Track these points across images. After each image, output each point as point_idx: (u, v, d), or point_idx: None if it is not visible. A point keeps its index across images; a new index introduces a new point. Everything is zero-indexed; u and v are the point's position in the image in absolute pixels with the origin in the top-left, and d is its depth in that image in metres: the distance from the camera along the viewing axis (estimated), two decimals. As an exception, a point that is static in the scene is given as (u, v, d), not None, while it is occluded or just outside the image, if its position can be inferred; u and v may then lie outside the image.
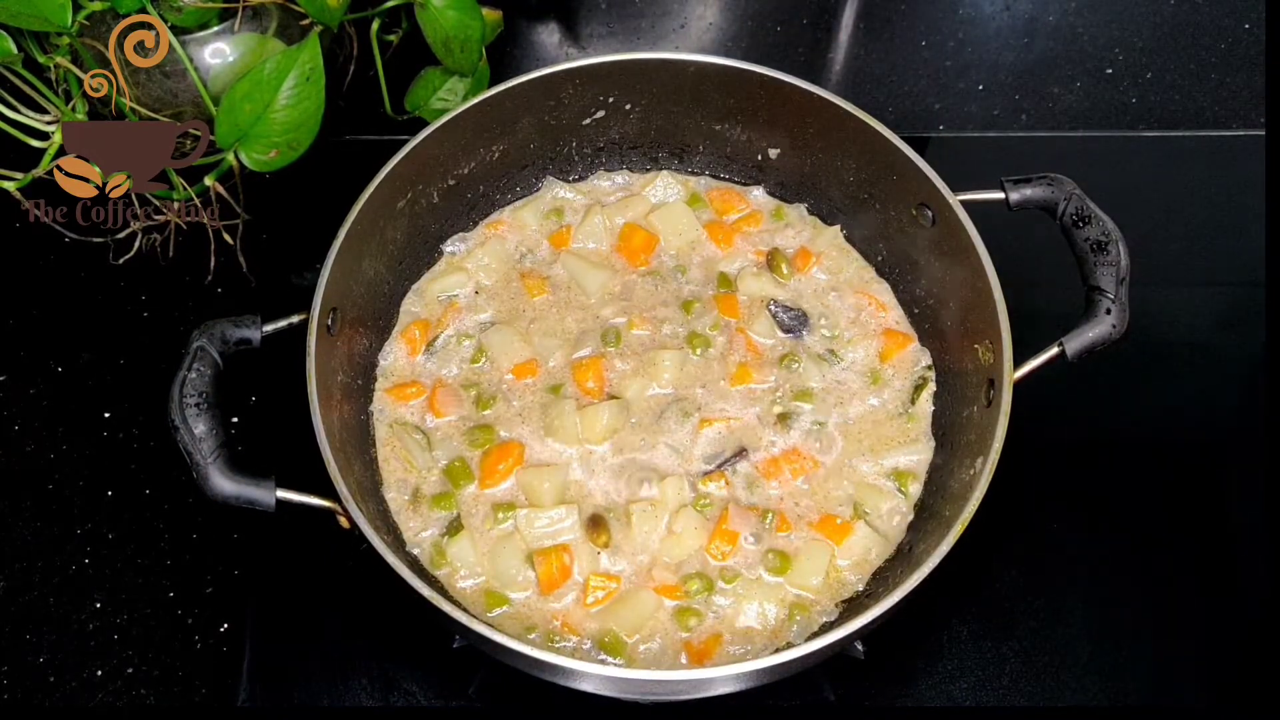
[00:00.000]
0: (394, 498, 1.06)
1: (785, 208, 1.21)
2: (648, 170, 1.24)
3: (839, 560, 1.03)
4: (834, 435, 1.09)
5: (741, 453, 1.07)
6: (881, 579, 1.02)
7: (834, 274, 1.17)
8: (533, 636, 0.99)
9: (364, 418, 1.10)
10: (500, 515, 1.04)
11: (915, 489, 1.06)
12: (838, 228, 1.19)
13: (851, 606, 1.01)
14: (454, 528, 1.04)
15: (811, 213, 1.21)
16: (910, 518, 1.05)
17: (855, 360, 1.13)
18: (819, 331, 1.14)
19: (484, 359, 1.13)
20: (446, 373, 1.12)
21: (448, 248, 1.19)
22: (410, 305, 1.16)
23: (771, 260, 1.17)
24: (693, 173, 1.24)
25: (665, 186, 1.22)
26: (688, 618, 1.00)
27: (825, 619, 1.00)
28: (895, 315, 1.15)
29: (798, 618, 1.00)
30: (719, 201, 1.22)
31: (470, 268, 1.18)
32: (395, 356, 1.14)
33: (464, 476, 1.06)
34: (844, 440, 1.09)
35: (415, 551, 1.03)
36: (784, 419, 1.09)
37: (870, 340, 1.14)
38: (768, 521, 1.04)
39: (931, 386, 1.11)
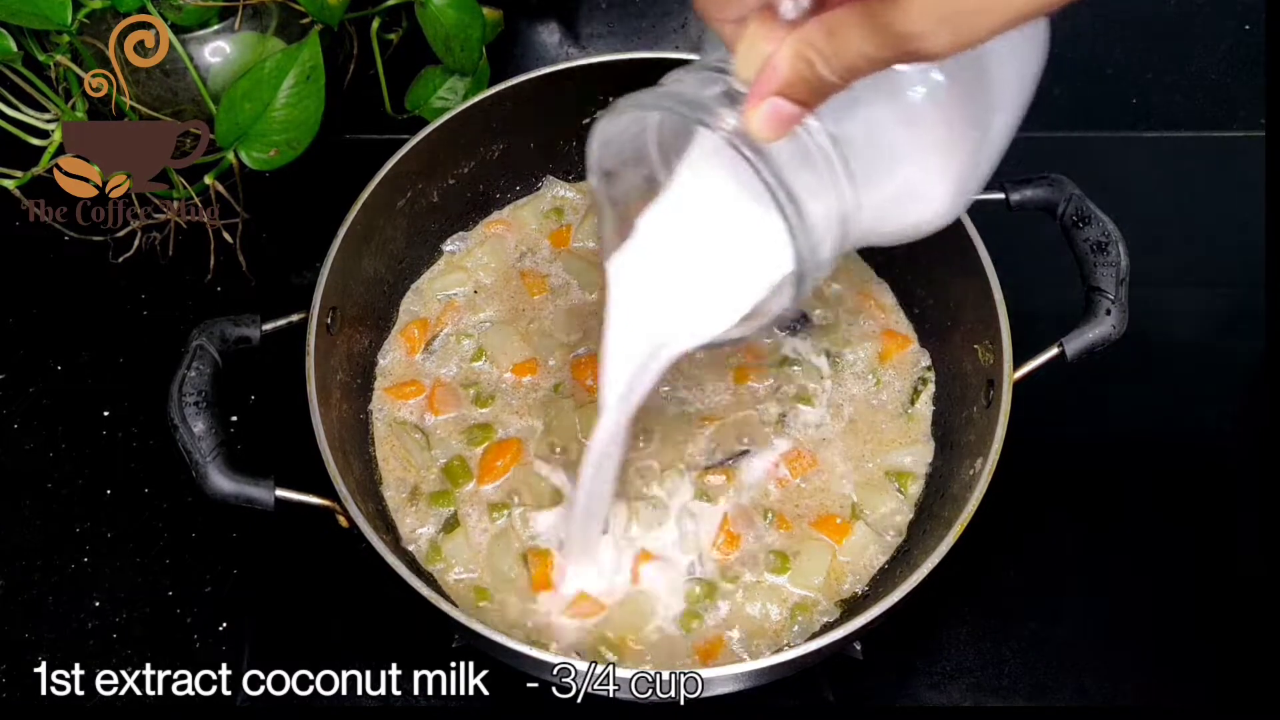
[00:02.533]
0: (392, 495, 1.06)
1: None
2: (648, 170, 1.24)
3: (839, 561, 1.03)
4: (834, 436, 1.09)
5: (741, 453, 1.07)
6: (882, 579, 1.02)
7: (834, 274, 1.17)
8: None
9: (363, 417, 1.10)
10: (495, 514, 1.04)
11: (915, 489, 1.06)
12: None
13: (852, 607, 1.01)
14: (450, 525, 1.04)
15: (811, 213, 1.21)
16: (910, 518, 1.05)
17: (855, 361, 1.13)
18: (819, 332, 1.14)
19: (483, 358, 1.13)
20: (445, 372, 1.12)
21: (447, 247, 1.19)
22: (409, 304, 1.16)
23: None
24: (693, 172, 1.24)
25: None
26: (689, 620, 1.00)
27: (826, 619, 1.00)
28: (895, 315, 1.15)
29: (799, 618, 1.00)
30: (719, 201, 1.22)
31: (469, 267, 1.18)
32: (394, 355, 1.14)
33: (463, 475, 1.06)
34: (844, 441, 1.08)
35: (410, 548, 1.03)
36: (784, 419, 1.09)
37: (870, 341, 1.14)
38: (768, 521, 1.04)
39: (931, 387, 1.11)
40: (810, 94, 0.61)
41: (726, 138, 0.65)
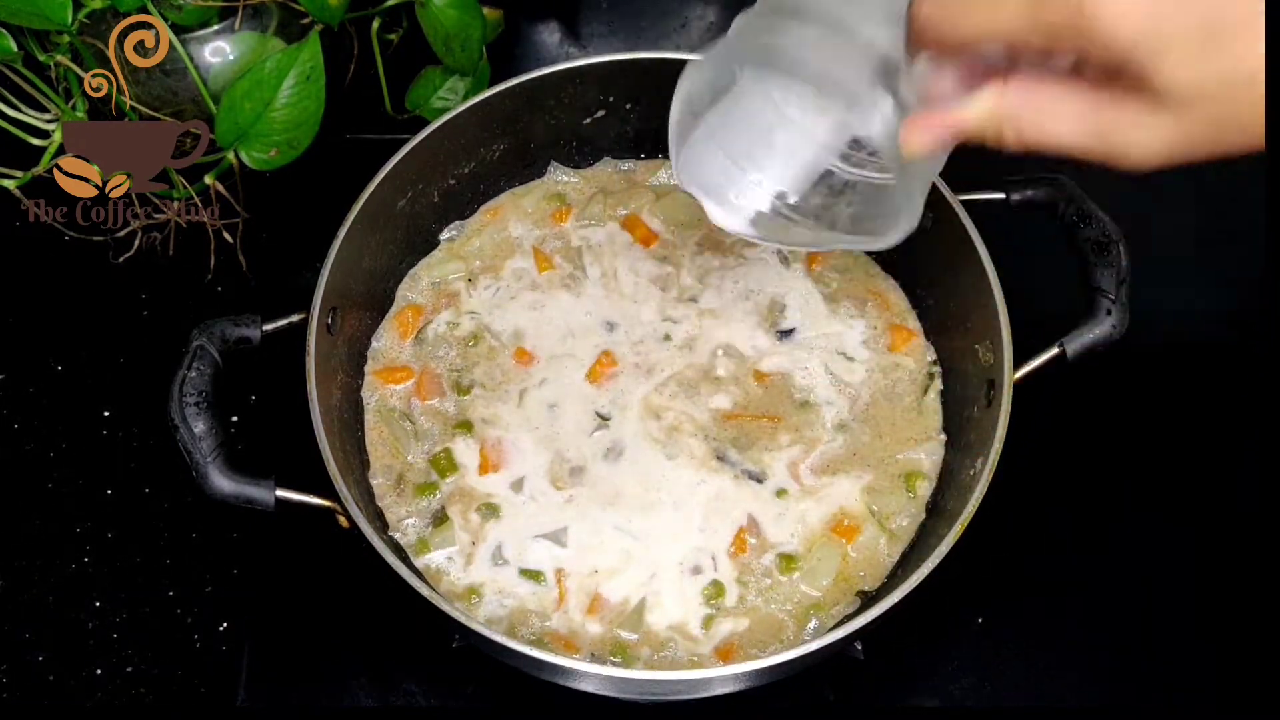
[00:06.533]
0: (380, 483, 1.06)
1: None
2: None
3: (850, 560, 1.02)
4: (843, 434, 1.08)
5: (749, 451, 1.07)
6: (892, 578, 1.02)
7: (841, 272, 1.17)
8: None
9: (357, 407, 1.10)
10: (486, 511, 1.04)
11: (924, 488, 1.06)
12: (843, 228, 1.19)
13: (861, 607, 1.00)
14: (439, 519, 1.03)
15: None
16: (921, 518, 1.05)
17: (863, 358, 1.12)
18: (825, 331, 1.14)
19: (477, 345, 1.12)
20: (438, 358, 1.12)
21: (445, 235, 1.19)
22: (405, 290, 1.16)
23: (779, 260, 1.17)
24: (693, 172, 1.24)
25: (669, 176, 1.21)
26: (708, 622, 0.99)
27: (837, 620, 1.00)
28: (901, 309, 1.15)
29: (811, 619, 1.00)
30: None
31: (467, 254, 1.18)
32: (387, 340, 1.13)
33: (449, 469, 1.06)
34: (853, 438, 1.08)
35: (396, 536, 1.03)
36: (793, 417, 1.08)
37: (877, 338, 1.13)
38: (779, 522, 1.04)
39: (938, 384, 1.11)
40: (975, 141, 0.65)
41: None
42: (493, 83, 1.16)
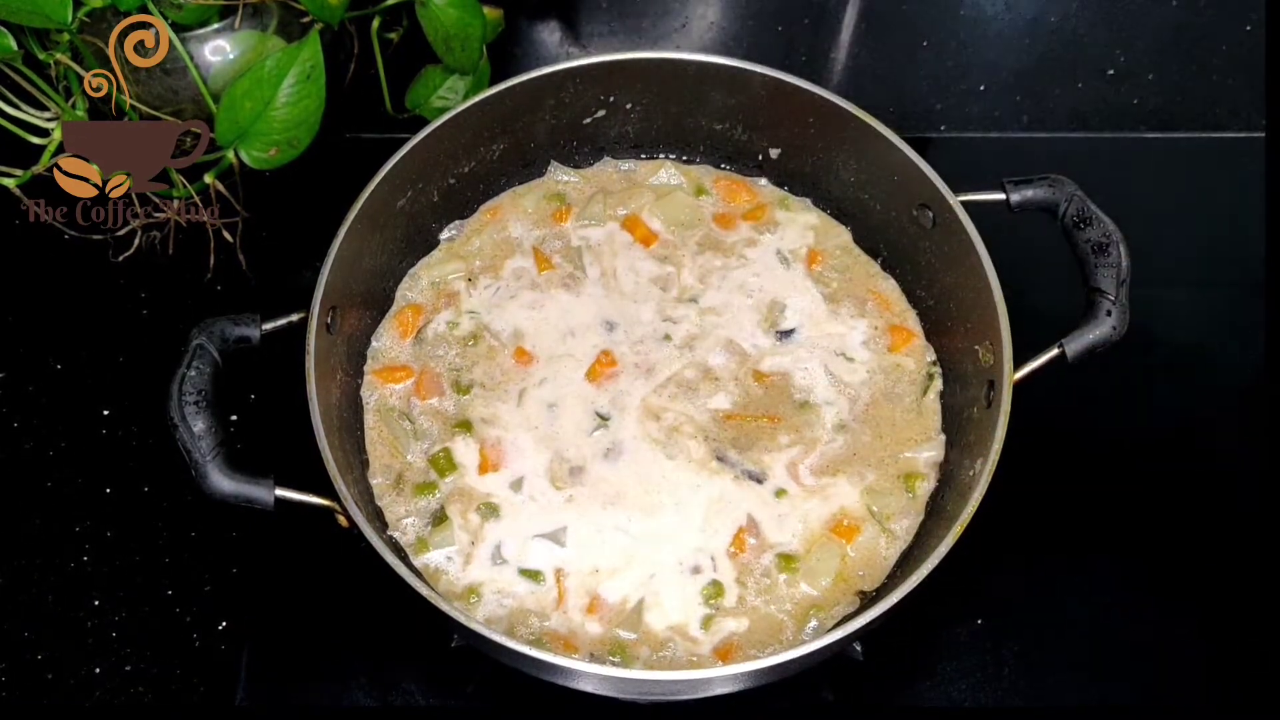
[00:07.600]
0: (379, 483, 1.06)
1: (791, 199, 1.21)
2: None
3: (850, 561, 1.02)
4: (843, 434, 1.08)
5: (749, 452, 1.07)
6: (892, 579, 1.02)
7: (841, 272, 1.17)
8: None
9: (357, 406, 1.09)
10: (485, 511, 1.04)
11: (924, 488, 1.06)
12: (846, 229, 1.19)
13: (861, 607, 1.00)
14: (439, 518, 1.03)
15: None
16: (921, 518, 1.05)
17: (863, 359, 1.12)
18: (825, 331, 1.13)
19: (477, 345, 1.12)
20: (437, 357, 1.12)
21: (445, 234, 1.19)
22: (405, 290, 1.16)
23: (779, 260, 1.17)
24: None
25: (669, 176, 1.21)
26: (707, 622, 0.99)
27: (836, 620, 1.00)
28: (900, 309, 1.15)
29: (811, 619, 1.00)
30: (725, 190, 1.21)
31: (467, 253, 1.18)
32: (387, 340, 1.13)
33: (449, 468, 1.06)
34: (853, 439, 1.08)
35: (395, 535, 1.03)
36: (793, 417, 1.08)
37: (877, 338, 1.13)
38: (779, 522, 1.04)
39: (938, 384, 1.11)
40: None
41: None
42: (493, 82, 1.16)
